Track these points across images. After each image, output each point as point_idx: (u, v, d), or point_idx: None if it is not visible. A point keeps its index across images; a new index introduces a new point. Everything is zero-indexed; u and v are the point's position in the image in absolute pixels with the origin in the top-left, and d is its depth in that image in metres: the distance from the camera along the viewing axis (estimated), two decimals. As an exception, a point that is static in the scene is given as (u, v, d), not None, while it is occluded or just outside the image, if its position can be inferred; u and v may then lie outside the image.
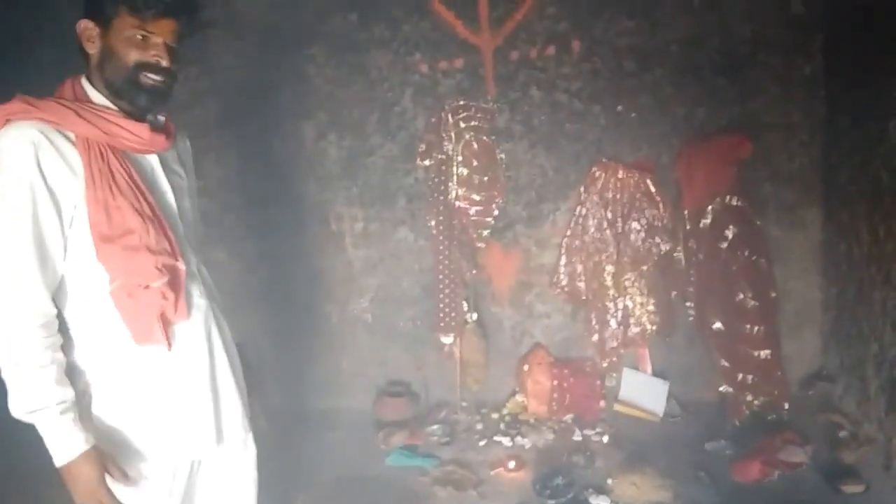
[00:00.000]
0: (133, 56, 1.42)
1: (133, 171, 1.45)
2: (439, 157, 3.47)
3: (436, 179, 3.50)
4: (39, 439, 1.39)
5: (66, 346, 1.45)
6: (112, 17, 1.41)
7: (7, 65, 2.83)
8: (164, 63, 1.45)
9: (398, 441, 3.29)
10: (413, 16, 3.48)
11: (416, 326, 3.72)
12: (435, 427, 3.42)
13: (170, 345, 1.48)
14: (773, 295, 3.35)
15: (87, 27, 1.44)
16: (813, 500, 2.73)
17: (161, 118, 1.59)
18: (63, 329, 1.45)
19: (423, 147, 3.52)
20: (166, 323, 1.47)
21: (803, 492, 2.78)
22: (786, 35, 3.39)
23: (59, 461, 1.37)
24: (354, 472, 3.10)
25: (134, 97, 1.46)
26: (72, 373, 1.44)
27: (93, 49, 1.45)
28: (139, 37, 1.42)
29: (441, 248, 3.51)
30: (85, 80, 1.48)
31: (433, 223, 3.52)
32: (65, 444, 1.36)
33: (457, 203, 3.46)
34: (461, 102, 3.45)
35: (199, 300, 1.57)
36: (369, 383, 3.72)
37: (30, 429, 1.39)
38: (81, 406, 1.43)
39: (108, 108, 1.46)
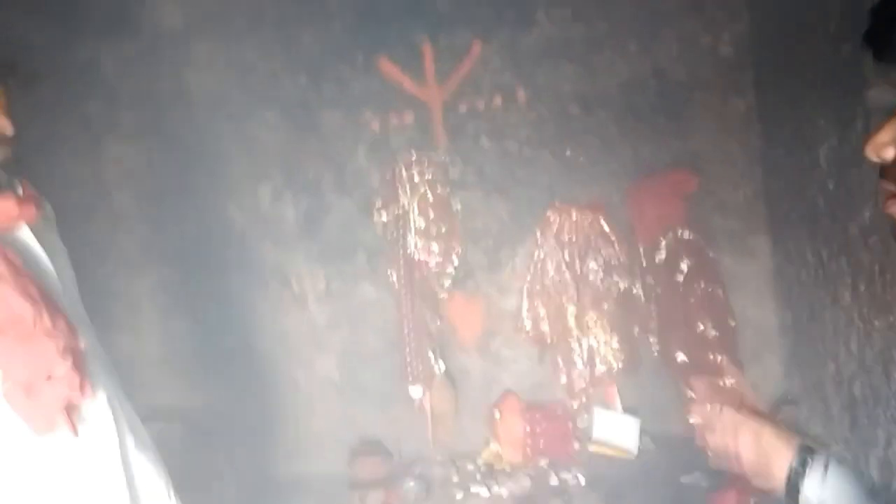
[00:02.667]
0: None
1: (10, 252, 1.30)
2: (396, 211, 3.51)
3: (394, 233, 3.52)
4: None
5: None
6: None
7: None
8: (7, 132, 1.34)
9: (374, 501, 3.23)
10: (361, 75, 3.56)
11: (384, 382, 3.68)
12: (411, 483, 3.36)
13: (76, 431, 1.34)
14: (732, 324, 3.42)
15: None
16: (791, 525, 2.74)
17: (19, 187, 1.43)
18: None
19: (379, 202, 3.56)
20: (71, 409, 1.34)
21: (781, 517, 2.79)
22: (718, 75, 3.55)
23: None
24: (331, 537, 3.03)
25: None
26: None
27: None
28: None
29: (404, 301, 3.51)
30: None
31: (394, 277, 3.53)
32: None
33: (416, 255, 3.49)
34: (414, 156, 3.51)
35: (101, 375, 1.46)
36: (341, 444, 3.65)
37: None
38: None
39: None
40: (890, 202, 0.74)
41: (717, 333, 3.32)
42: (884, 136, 0.71)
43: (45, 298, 1.31)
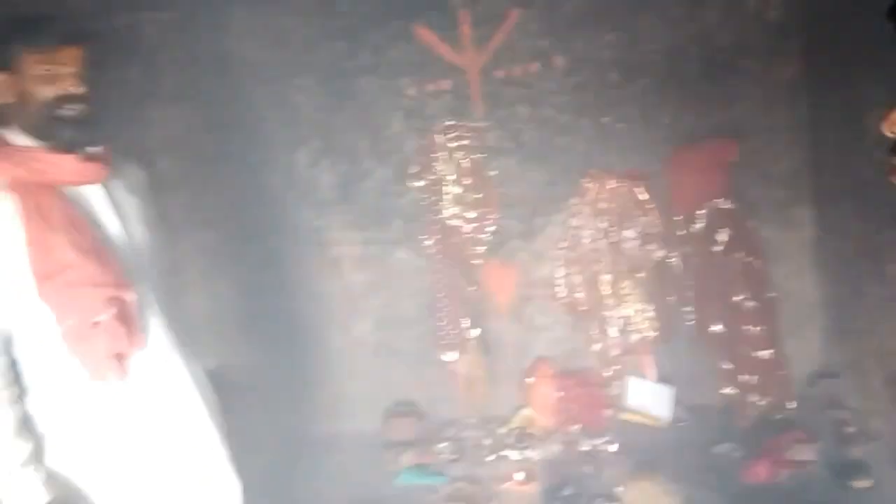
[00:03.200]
0: (46, 92, 1.40)
1: (69, 206, 1.42)
2: (431, 177, 3.52)
3: (429, 199, 3.54)
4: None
5: (21, 395, 1.42)
6: (17, 61, 1.38)
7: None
8: (80, 91, 1.43)
9: (407, 461, 3.31)
10: (398, 41, 3.54)
11: (419, 346, 3.74)
12: (443, 445, 3.43)
13: (125, 377, 1.45)
14: (771, 295, 3.38)
15: None
16: (823, 498, 2.74)
17: (97, 149, 1.52)
18: (18, 379, 1.43)
19: (415, 168, 3.57)
20: (121, 357, 1.44)
21: (813, 489, 2.79)
22: (765, 41, 3.45)
23: None
24: (365, 493, 3.11)
25: (57, 132, 1.42)
26: (28, 422, 1.42)
27: (8, 97, 1.42)
28: (45, 72, 1.39)
29: (439, 267, 3.55)
30: (4, 129, 1.45)
31: (429, 243, 3.56)
32: (23, 499, 1.35)
33: (451, 222, 3.50)
34: (450, 122, 3.50)
35: (157, 328, 1.54)
36: (376, 405, 3.73)
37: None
38: (38, 458, 1.41)
39: (32, 147, 1.43)
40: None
41: (755, 304, 3.28)
42: None
43: (96, 251, 1.41)
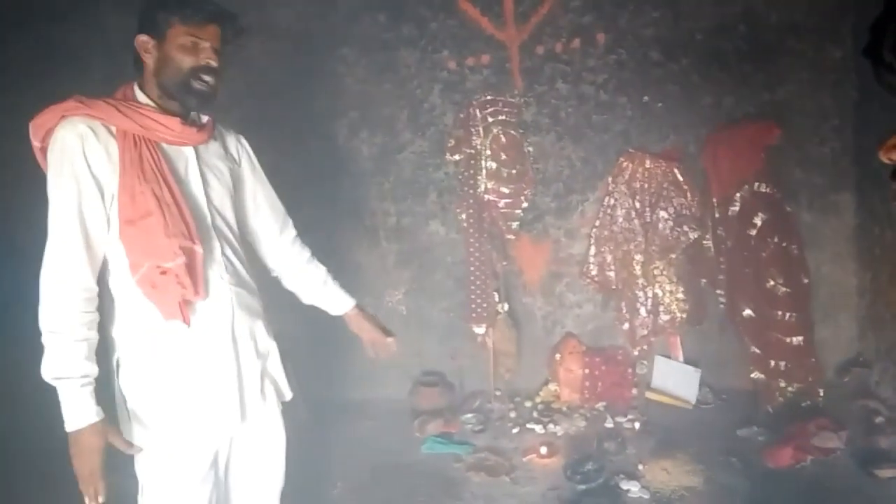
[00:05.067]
0: (188, 61, 1.59)
1: (162, 161, 1.58)
2: (468, 151, 3.54)
3: (465, 173, 3.57)
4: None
5: (107, 320, 1.59)
6: (166, 29, 1.58)
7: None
8: (213, 63, 1.61)
9: (433, 429, 3.38)
10: (439, 14, 3.55)
11: (449, 318, 3.80)
12: (469, 415, 3.50)
13: (188, 321, 1.59)
14: (806, 281, 3.33)
15: (144, 41, 1.61)
16: (846, 485, 2.73)
17: (203, 117, 1.74)
18: (106, 304, 1.59)
19: (452, 142, 3.60)
20: (186, 303, 1.58)
21: (837, 477, 2.78)
22: (814, 20, 3.37)
23: (69, 426, 1.51)
24: (391, 459, 3.20)
25: (185, 98, 1.62)
26: (108, 346, 1.59)
27: (149, 59, 1.61)
28: (190, 42, 1.59)
29: (472, 240, 3.58)
30: (136, 85, 1.65)
31: (463, 216, 3.60)
32: (77, 413, 1.50)
33: (486, 196, 3.53)
34: (488, 97, 3.51)
35: (221, 283, 1.67)
36: (405, 374, 3.81)
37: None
38: (114, 376, 1.58)
39: (148, 105, 1.61)
40: None
41: (788, 290, 3.25)
42: (894, 140, 0.73)
43: (174, 203, 1.56)
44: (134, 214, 1.52)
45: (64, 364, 1.48)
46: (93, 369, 1.52)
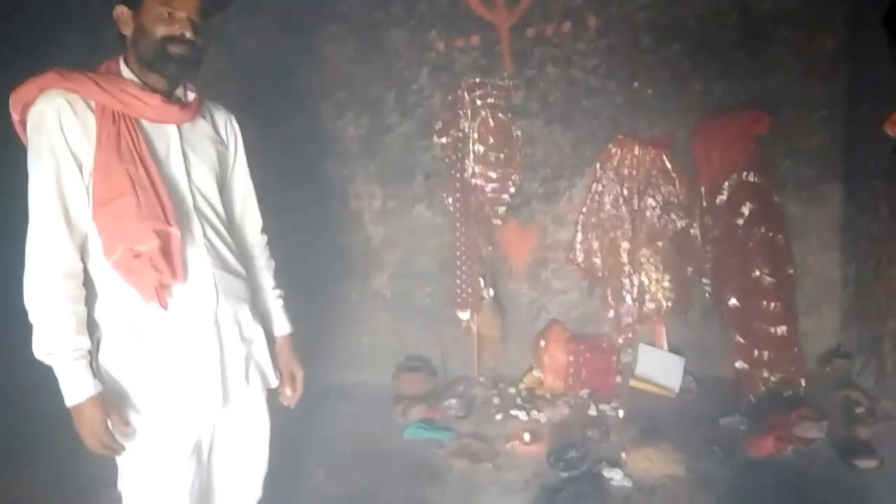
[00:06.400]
0: (160, 30, 1.54)
1: (141, 139, 1.54)
2: (456, 134, 3.50)
3: (452, 157, 3.53)
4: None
5: (90, 299, 1.56)
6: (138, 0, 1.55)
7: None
8: (188, 34, 1.57)
9: (416, 415, 3.36)
10: (429, -6, 3.49)
11: (433, 302, 3.77)
12: (452, 401, 3.48)
13: (165, 305, 1.55)
14: (791, 271, 3.34)
15: (122, 12, 1.58)
16: (826, 475, 2.75)
17: (190, 94, 1.70)
18: (88, 283, 1.55)
19: (439, 125, 3.55)
20: (162, 286, 1.54)
21: (817, 466, 2.80)
22: (806, 10, 3.35)
23: (69, 402, 1.49)
24: (373, 444, 3.18)
25: (163, 67, 1.58)
26: (90, 326, 1.55)
27: (127, 31, 1.58)
28: (165, 13, 1.54)
29: (458, 224, 3.55)
30: (121, 59, 1.61)
31: (450, 200, 3.56)
32: (75, 388, 1.47)
33: (473, 180, 3.49)
34: (477, 80, 3.47)
35: (202, 266, 1.63)
36: (388, 358, 3.79)
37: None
38: (93, 357, 1.54)
39: (131, 80, 1.57)
40: None
41: (773, 280, 3.25)
42: None
43: (151, 186, 1.51)
44: (107, 195, 1.48)
45: (54, 339, 1.46)
46: (84, 342, 1.50)
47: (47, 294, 1.46)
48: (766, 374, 3.31)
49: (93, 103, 1.51)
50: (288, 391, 1.94)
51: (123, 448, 1.54)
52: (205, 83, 1.74)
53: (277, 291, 1.97)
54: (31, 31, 3.33)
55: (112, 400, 1.54)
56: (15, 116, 1.55)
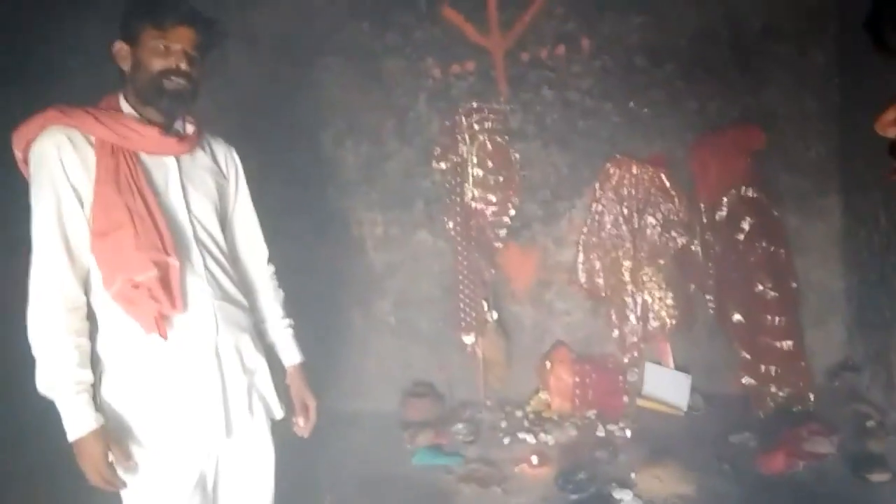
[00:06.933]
0: (157, 64, 1.58)
1: (139, 171, 1.56)
2: (455, 159, 3.52)
3: (452, 182, 3.55)
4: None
5: (92, 333, 1.56)
6: (139, 33, 1.58)
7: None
8: (183, 66, 1.59)
9: (424, 440, 3.34)
10: (424, 22, 3.55)
11: (438, 327, 3.77)
12: (460, 426, 3.46)
13: (165, 335, 1.55)
14: (794, 285, 3.34)
15: (120, 48, 1.61)
16: (839, 490, 2.72)
17: (189, 127, 1.72)
18: (90, 318, 1.56)
19: (438, 150, 3.58)
20: (162, 317, 1.54)
21: (829, 482, 2.77)
22: (798, 25, 3.39)
23: (70, 436, 1.48)
24: (381, 471, 3.15)
25: (157, 100, 1.60)
26: (93, 360, 1.55)
27: (126, 65, 1.61)
28: (161, 47, 1.57)
29: (459, 248, 3.56)
30: (121, 95, 1.64)
31: (451, 225, 3.58)
32: (76, 422, 1.47)
33: (473, 204, 3.51)
34: (474, 105, 3.51)
35: (202, 296, 1.63)
36: (394, 385, 3.77)
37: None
38: (96, 390, 1.54)
39: (129, 114, 1.60)
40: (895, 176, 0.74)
41: (777, 294, 3.25)
42: (890, 114, 0.71)
43: (150, 216, 1.53)
44: (106, 226, 1.50)
45: (56, 373, 1.47)
46: (87, 376, 1.50)
47: (50, 328, 1.47)
48: (773, 390, 3.29)
49: (93, 138, 1.54)
50: (301, 421, 1.93)
51: (125, 484, 1.54)
52: (205, 115, 1.77)
53: (287, 321, 1.97)
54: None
55: (114, 434, 1.53)
56: (18, 154, 1.57)
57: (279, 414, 1.85)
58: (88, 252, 1.52)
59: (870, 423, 3.08)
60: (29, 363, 1.50)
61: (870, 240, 3.23)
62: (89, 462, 1.49)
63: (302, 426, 1.94)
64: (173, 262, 1.55)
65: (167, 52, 1.58)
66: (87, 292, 1.55)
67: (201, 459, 1.66)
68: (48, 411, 1.51)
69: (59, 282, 1.49)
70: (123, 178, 1.53)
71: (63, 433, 1.49)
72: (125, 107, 1.62)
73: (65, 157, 1.50)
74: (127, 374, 1.58)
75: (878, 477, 2.72)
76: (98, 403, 1.54)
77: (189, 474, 1.63)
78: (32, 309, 1.48)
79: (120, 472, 1.53)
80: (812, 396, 3.28)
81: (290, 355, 1.96)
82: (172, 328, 1.57)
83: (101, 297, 1.55)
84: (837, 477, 2.79)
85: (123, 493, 1.62)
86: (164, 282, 1.53)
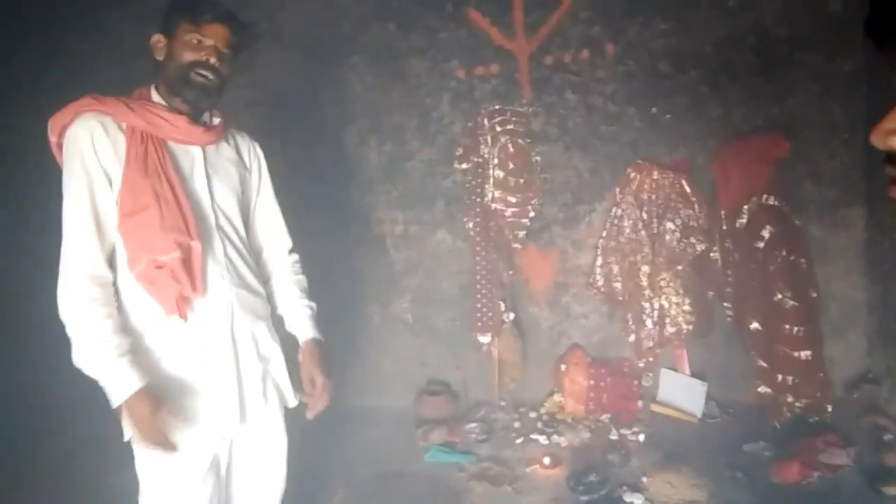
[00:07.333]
0: (188, 56, 1.66)
1: (167, 157, 1.64)
2: (476, 160, 3.55)
3: (473, 182, 3.57)
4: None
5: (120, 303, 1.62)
6: (176, 27, 1.67)
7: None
8: (213, 61, 1.67)
9: (437, 438, 3.36)
10: (449, 24, 3.58)
11: (455, 326, 3.80)
12: (473, 425, 3.48)
13: (184, 316, 1.61)
14: (814, 295, 3.30)
15: (157, 39, 1.71)
16: (853, 502, 2.70)
17: (216, 119, 1.80)
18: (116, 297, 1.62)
19: (460, 151, 3.61)
20: (183, 299, 1.61)
21: (844, 494, 2.74)
22: (824, 33, 3.36)
23: (116, 401, 1.53)
24: (394, 467, 3.19)
25: (184, 91, 1.69)
26: (126, 321, 1.61)
27: (161, 56, 1.70)
28: (195, 40, 1.66)
29: (478, 249, 3.58)
30: (153, 86, 1.73)
31: (471, 225, 3.60)
32: (122, 383, 1.52)
33: (493, 205, 3.53)
34: (497, 107, 3.52)
35: (221, 283, 1.69)
36: (410, 382, 3.81)
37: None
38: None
39: (159, 104, 1.69)
40: (893, 188, 0.74)
41: (796, 304, 3.22)
42: (888, 123, 0.71)
43: (175, 200, 1.61)
44: (133, 208, 1.57)
45: (94, 342, 1.52)
46: (125, 341, 1.55)
47: (83, 300, 1.53)
48: (790, 400, 3.26)
49: (124, 125, 1.62)
50: (307, 399, 1.88)
51: (175, 447, 1.58)
52: (233, 112, 1.83)
53: (306, 301, 1.99)
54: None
55: (160, 392, 1.57)
56: (53, 138, 1.65)
57: (292, 402, 1.90)
58: (115, 232, 1.59)
59: (887, 437, 3.05)
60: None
61: (893, 251, 3.20)
62: (140, 421, 1.53)
63: (312, 396, 1.86)
64: (196, 245, 1.61)
65: (199, 45, 1.66)
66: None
67: (216, 443, 1.72)
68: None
69: (89, 257, 1.56)
70: (151, 163, 1.60)
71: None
72: (156, 97, 1.71)
73: (97, 141, 1.58)
74: (147, 357, 1.62)
75: (893, 490, 2.70)
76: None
77: (203, 457, 1.68)
78: (63, 284, 1.55)
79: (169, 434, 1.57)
80: (829, 408, 3.24)
81: (304, 331, 1.94)
82: (192, 312, 1.64)
83: (124, 280, 1.61)
84: (852, 489, 2.77)
85: (140, 475, 1.67)
86: (187, 264, 1.60)
